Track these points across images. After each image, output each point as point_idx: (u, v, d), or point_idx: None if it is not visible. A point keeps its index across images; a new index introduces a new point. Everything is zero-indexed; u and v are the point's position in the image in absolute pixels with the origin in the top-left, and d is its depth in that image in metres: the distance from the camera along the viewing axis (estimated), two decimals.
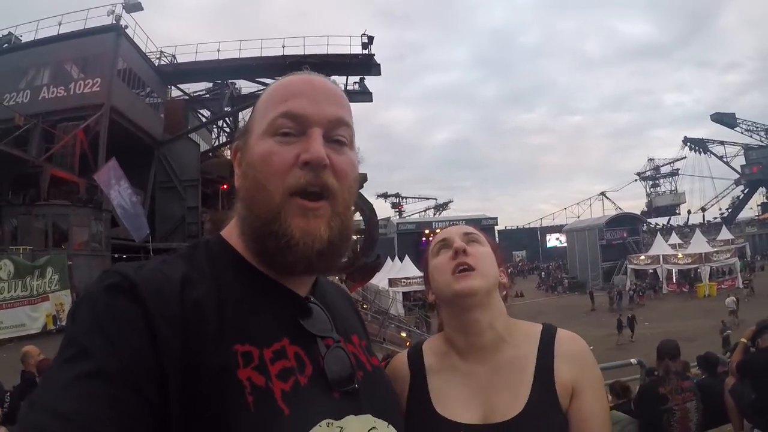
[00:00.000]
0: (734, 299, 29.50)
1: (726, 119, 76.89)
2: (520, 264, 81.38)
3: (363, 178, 25.72)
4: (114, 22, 27.14)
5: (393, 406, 1.20)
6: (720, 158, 79.09)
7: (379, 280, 40.27)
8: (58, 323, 17.78)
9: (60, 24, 27.07)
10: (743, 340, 5.82)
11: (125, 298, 0.87)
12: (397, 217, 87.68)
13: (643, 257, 48.45)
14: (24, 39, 28.04)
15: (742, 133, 76.06)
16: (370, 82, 32.87)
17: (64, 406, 0.76)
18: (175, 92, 35.45)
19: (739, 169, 76.58)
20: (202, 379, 0.87)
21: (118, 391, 0.79)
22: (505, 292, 1.55)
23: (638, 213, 72.99)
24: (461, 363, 1.45)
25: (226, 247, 1.08)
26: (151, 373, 0.83)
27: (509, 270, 1.66)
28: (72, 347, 0.83)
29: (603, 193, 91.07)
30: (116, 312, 0.85)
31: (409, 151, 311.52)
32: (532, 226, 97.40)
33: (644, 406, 5.27)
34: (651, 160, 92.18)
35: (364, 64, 31.48)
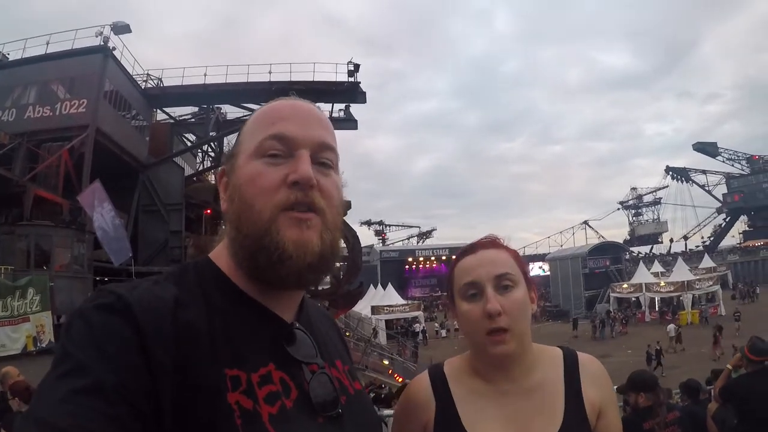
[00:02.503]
0: (675, 326, 31.94)
1: (708, 148, 77.79)
2: None
3: (347, 205, 25.64)
4: (102, 43, 27.11)
5: (375, 429, 1.22)
6: (702, 187, 79.85)
7: (362, 307, 40.10)
8: (39, 345, 17.52)
9: (48, 43, 27.05)
10: (728, 366, 5.86)
11: (119, 317, 0.88)
12: (381, 244, 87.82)
13: (625, 285, 48.56)
14: (11, 57, 27.91)
15: (723, 161, 76.94)
16: (355, 109, 32.97)
17: (61, 420, 0.77)
18: (160, 116, 35.39)
19: (720, 198, 77.27)
20: (193, 400, 0.88)
21: (114, 407, 0.80)
22: (533, 311, 1.51)
23: (621, 242, 73.65)
24: (489, 387, 1.45)
25: (214, 270, 1.09)
26: (145, 391, 0.84)
27: None
28: (68, 362, 0.84)
29: (586, 222, 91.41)
30: (111, 331, 0.87)
31: (391, 179, 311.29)
32: None
33: None
34: (633, 189, 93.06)
35: (349, 92, 31.60)
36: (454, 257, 1.60)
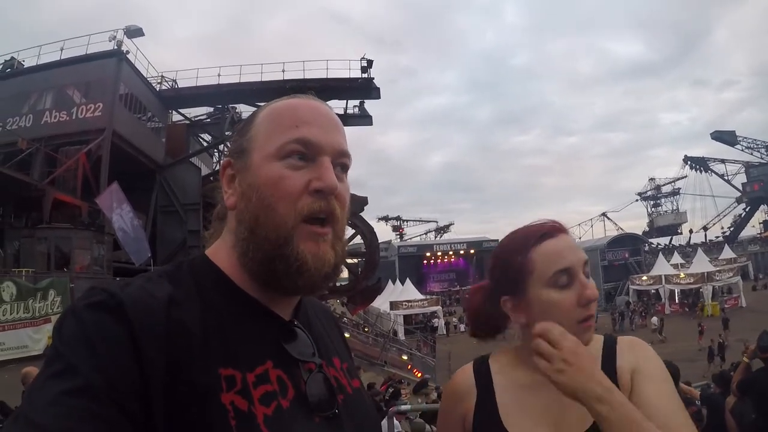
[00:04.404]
0: (658, 318, 34.56)
1: (726, 137, 76.61)
2: None
3: (364, 201, 25.70)
4: (115, 47, 27.20)
5: (374, 428, 1.23)
6: (721, 176, 78.67)
7: (381, 303, 40.13)
8: None
9: (62, 49, 27.15)
10: (744, 359, 5.76)
11: (111, 316, 0.87)
12: (398, 240, 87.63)
13: (645, 277, 48.15)
14: (26, 64, 28.09)
15: (742, 150, 75.69)
16: (369, 105, 32.87)
17: (48, 422, 0.77)
18: (176, 117, 35.55)
19: (740, 187, 76.35)
20: (185, 400, 0.87)
21: (103, 409, 0.80)
22: None
23: (640, 233, 72.81)
24: (533, 378, 1.38)
25: (211, 267, 1.09)
26: (135, 391, 0.83)
27: None
28: (58, 362, 0.84)
29: (604, 214, 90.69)
30: (102, 330, 0.86)
31: (406, 174, 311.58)
32: None
33: None
34: (652, 179, 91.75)
35: (363, 88, 31.43)
36: (511, 243, 1.45)
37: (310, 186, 1.04)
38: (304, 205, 1.03)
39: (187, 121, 35.32)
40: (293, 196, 1.03)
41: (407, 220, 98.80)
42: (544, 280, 1.34)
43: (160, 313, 0.92)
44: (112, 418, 0.80)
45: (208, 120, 35.33)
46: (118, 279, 22.82)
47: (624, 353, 1.39)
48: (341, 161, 1.11)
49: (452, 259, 73.05)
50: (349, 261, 24.08)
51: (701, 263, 44.63)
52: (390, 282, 47.85)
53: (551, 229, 1.39)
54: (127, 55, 27.87)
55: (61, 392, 0.80)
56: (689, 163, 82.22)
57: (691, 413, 4.87)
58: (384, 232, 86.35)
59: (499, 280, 1.46)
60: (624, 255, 57.66)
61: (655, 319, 34.23)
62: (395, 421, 7.50)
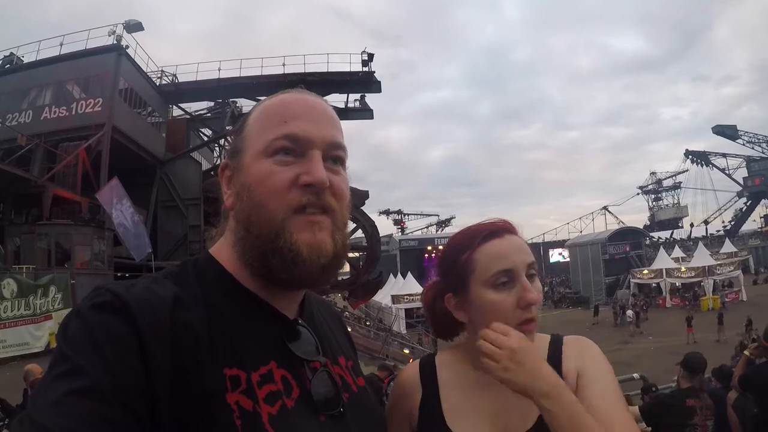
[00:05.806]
0: (632, 312, 35.62)
1: (727, 131, 76.52)
2: None
3: (364, 195, 25.68)
4: (115, 42, 27.15)
5: (379, 426, 1.22)
6: (722, 171, 78.71)
7: (382, 297, 40.13)
8: None
9: (61, 45, 27.08)
10: (746, 353, 5.75)
11: (117, 316, 0.87)
12: (400, 233, 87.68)
13: (646, 271, 48.14)
14: (26, 59, 28.02)
15: (743, 145, 75.66)
16: (370, 99, 32.73)
17: (54, 422, 0.77)
18: (176, 111, 35.50)
19: (741, 182, 76.27)
20: (191, 400, 0.87)
21: (109, 409, 0.79)
22: None
23: (641, 227, 72.85)
24: (478, 377, 1.38)
25: (215, 266, 1.08)
26: (141, 392, 0.83)
27: None
28: (64, 363, 0.83)
29: (605, 208, 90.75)
30: (108, 330, 0.85)
31: (407, 169, 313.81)
32: (534, 241, 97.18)
33: (668, 417, 5.10)
34: (653, 173, 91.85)
35: (364, 82, 31.27)
36: (458, 240, 1.44)
37: (299, 180, 1.03)
38: (293, 198, 1.02)
39: (188, 116, 35.30)
40: (281, 192, 1.02)
41: (408, 214, 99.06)
42: (483, 279, 1.34)
43: (165, 314, 0.91)
44: (117, 418, 0.80)
45: (209, 114, 35.30)
46: (119, 274, 22.96)
47: (570, 355, 1.39)
48: (334, 153, 1.10)
49: None
50: (350, 255, 24.05)
51: (702, 257, 44.54)
52: (391, 276, 47.89)
53: (498, 228, 1.39)
54: (127, 50, 27.82)
55: (67, 393, 0.79)
56: (690, 157, 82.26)
57: (710, 405, 4.97)
58: (385, 226, 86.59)
59: (444, 277, 1.46)
60: (625, 248, 57.56)
61: (630, 313, 35.26)
62: None
